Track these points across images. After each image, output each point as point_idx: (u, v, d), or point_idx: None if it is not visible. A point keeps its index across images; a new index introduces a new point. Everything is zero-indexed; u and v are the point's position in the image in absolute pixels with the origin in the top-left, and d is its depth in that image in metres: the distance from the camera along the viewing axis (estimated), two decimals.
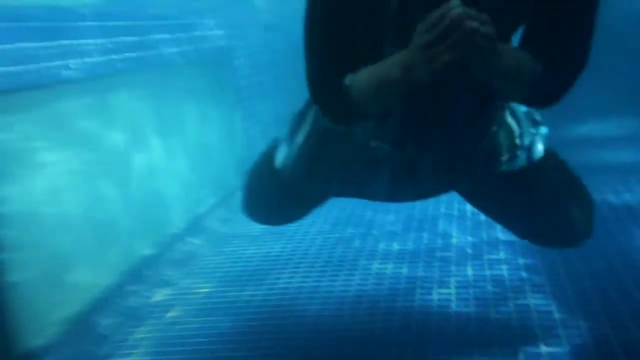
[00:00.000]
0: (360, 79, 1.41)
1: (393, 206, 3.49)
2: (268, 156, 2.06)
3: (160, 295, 2.73)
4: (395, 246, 3.04)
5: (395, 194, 1.96)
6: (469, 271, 2.65)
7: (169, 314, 2.53)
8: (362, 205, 3.53)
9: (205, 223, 3.55)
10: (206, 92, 3.87)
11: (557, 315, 2.19)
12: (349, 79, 1.42)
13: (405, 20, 1.32)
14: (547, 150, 1.89)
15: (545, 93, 1.47)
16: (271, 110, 4.53)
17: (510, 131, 1.81)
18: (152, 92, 3.15)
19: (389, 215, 3.48)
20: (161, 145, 3.21)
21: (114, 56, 2.77)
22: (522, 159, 1.86)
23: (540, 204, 1.92)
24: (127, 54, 2.90)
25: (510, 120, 1.81)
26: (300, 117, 2.01)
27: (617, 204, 3.18)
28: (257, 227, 3.05)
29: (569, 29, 1.42)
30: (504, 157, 1.81)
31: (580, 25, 1.43)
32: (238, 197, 2.44)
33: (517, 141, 1.83)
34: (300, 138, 1.92)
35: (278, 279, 2.80)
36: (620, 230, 2.87)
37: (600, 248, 2.60)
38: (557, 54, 1.41)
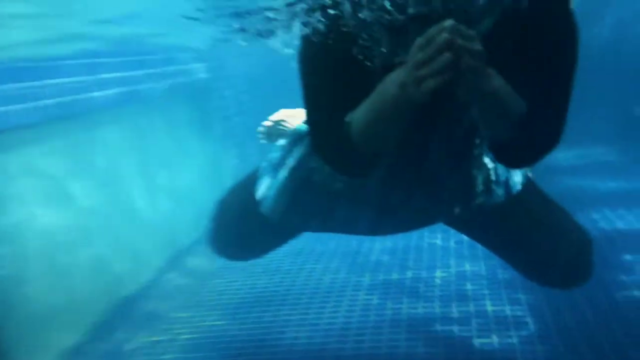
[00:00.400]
0: (359, 110, 1.43)
1: (378, 237, 3.53)
2: (247, 187, 2.04)
3: (146, 331, 2.71)
4: (380, 277, 3.07)
5: (376, 229, 1.99)
6: (453, 305, 2.68)
7: (155, 350, 2.51)
8: (347, 236, 3.56)
9: (189, 257, 3.54)
10: (191, 125, 3.90)
11: (539, 348, 2.23)
12: (348, 117, 1.46)
13: (396, 59, 1.35)
14: (527, 185, 1.94)
15: (529, 140, 1.45)
16: (256, 140, 4.56)
17: (486, 169, 1.86)
18: (135, 127, 3.18)
19: (374, 246, 3.52)
20: (145, 180, 3.21)
21: (96, 94, 2.81)
22: (499, 194, 1.91)
23: (525, 238, 1.94)
24: (108, 91, 2.93)
25: (486, 159, 1.86)
26: (285, 152, 2.03)
27: (596, 235, 3.24)
28: (236, 264, 3.04)
29: (548, 82, 1.43)
30: (479, 190, 1.86)
31: (559, 77, 1.44)
32: None
33: (492, 177, 1.88)
34: (284, 172, 1.94)
35: (264, 312, 2.80)
36: (600, 262, 2.93)
37: None
38: (537, 104, 1.41)
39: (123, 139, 3.06)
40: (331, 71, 1.45)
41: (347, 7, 1.39)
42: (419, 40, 1.21)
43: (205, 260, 3.53)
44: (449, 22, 1.17)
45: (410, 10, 1.32)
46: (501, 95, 1.31)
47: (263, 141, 2.34)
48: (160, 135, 3.49)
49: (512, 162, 1.63)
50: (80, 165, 2.63)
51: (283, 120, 2.29)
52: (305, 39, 1.48)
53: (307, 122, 1.58)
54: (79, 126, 2.67)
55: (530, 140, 1.45)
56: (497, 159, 1.61)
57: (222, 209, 2.18)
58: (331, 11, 1.40)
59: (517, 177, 1.93)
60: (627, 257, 2.92)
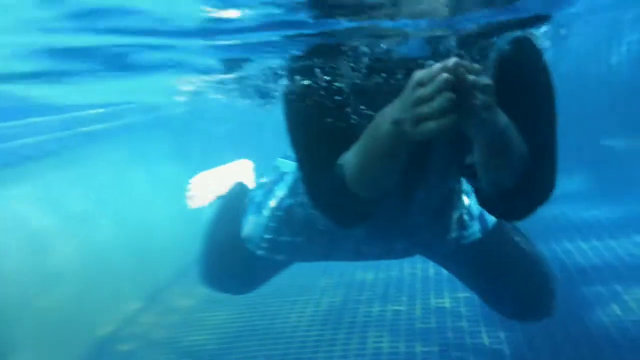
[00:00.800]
0: (352, 150, 1.38)
1: (359, 268, 3.58)
2: (232, 225, 2.09)
3: None
4: (362, 309, 3.10)
5: (355, 259, 2.04)
6: (434, 338, 2.72)
7: None
8: (329, 269, 3.59)
9: (167, 294, 3.50)
10: (168, 160, 3.89)
11: None
12: (341, 159, 1.41)
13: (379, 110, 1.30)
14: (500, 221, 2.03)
15: (526, 190, 1.40)
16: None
17: (462, 206, 1.93)
18: (109, 164, 3.17)
19: (355, 278, 3.54)
20: (121, 217, 3.18)
21: (69, 132, 2.81)
22: (475, 229, 1.98)
23: (498, 272, 2.01)
24: (82, 129, 2.93)
25: (463, 196, 1.93)
26: (267, 190, 2.10)
27: (569, 266, 3.34)
28: (218, 298, 3.06)
29: (536, 132, 1.40)
30: (455, 226, 1.92)
31: (546, 126, 1.44)
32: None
33: (467, 212, 1.95)
34: (267, 211, 1.99)
35: (247, 347, 2.80)
36: (571, 293, 3.01)
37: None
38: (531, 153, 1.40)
39: (97, 177, 3.05)
40: (317, 120, 1.44)
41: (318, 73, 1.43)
42: (419, 75, 1.11)
43: (184, 297, 3.51)
44: (452, 61, 1.07)
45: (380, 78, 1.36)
46: (509, 134, 1.24)
47: (190, 206, 2.49)
48: (137, 172, 3.49)
49: (508, 215, 1.54)
50: (53, 205, 2.63)
51: (201, 185, 2.49)
52: (289, 90, 1.52)
53: (299, 170, 1.55)
54: (52, 166, 2.67)
55: (526, 191, 1.40)
56: (492, 212, 1.54)
57: (211, 247, 2.23)
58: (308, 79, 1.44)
59: None
60: (600, 288, 3.01)
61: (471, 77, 1.08)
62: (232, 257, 2.11)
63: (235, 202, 2.46)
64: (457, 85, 1.07)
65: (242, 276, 2.18)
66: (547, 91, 1.44)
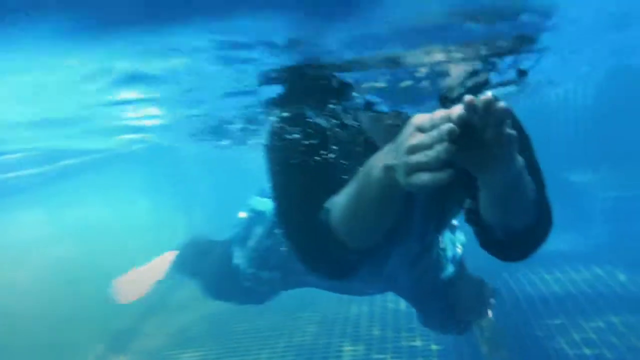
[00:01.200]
0: (340, 195, 1.28)
1: (333, 302, 3.59)
2: (223, 254, 2.28)
3: None
4: (333, 347, 3.11)
5: (332, 290, 2.18)
6: None
7: None
8: (296, 309, 3.59)
9: (132, 335, 3.42)
10: (140, 192, 3.87)
11: None
12: (328, 203, 1.30)
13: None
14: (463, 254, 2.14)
15: (531, 231, 1.35)
16: (213, 210, 4.55)
17: (438, 247, 2.00)
18: (74, 199, 3.13)
19: (328, 312, 3.55)
20: (83, 251, 3.13)
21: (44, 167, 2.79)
22: (450, 270, 2.06)
23: (452, 305, 2.18)
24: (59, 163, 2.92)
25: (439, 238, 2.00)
26: (245, 228, 2.23)
27: (533, 296, 3.42)
28: (187, 337, 3.11)
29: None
30: (432, 267, 1.99)
31: (534, 170, 1.43)
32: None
33: (442, 259, 2.02)
34: (247, 251, 2.18)
35: None
36: (536, 324, 3.09)
37: (519, 339, 2.82)
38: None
39: (64, 215, 3.02)
40: (300, 166, 1.39)
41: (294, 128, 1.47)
42: (420, 120, 0.99)
43: (152, 336, 3.44)
44: (460, 112, 0.95)
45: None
46: (525, 176, 1.18)
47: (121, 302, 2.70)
48: (105, 208, 3.46)
49: (512, 257, 1.44)
50: (14, 246, 2.60)
51: (129, 283, 2.71)
52: (272, 133, 1.52)
53: (279, 216, 1.45)
54: (17, 203, 2.65)
55: (532, 232, 1.36)
56: (496, 255, 1.48)
57: (208, 276, 2.45)
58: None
59: (459, 249, 2.11)
60: (563, 319, 3.09)
61: (503, 104, 0.94)
62: (230, 287, 2.32)
63: (201, 246, 2.72)
64: (483, 117, 0.94)
65: (244, 298, 2.40)
66: (527, 139, 1.51)
